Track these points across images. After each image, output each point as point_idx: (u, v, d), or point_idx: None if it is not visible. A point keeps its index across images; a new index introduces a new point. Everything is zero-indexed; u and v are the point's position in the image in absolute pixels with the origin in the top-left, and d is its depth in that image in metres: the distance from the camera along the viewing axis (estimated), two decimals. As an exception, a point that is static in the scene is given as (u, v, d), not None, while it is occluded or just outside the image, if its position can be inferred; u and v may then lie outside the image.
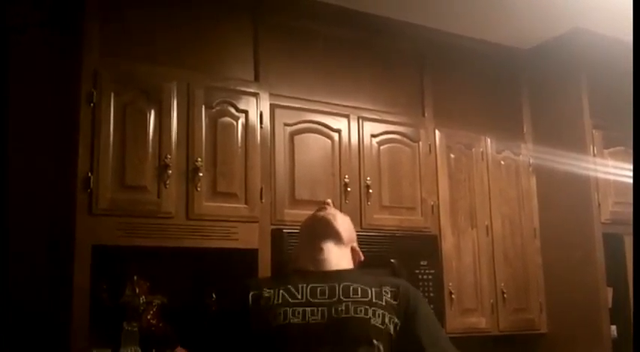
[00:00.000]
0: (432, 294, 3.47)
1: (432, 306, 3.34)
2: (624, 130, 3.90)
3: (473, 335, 3.74)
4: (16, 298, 2.80)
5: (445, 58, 3.94)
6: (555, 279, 3.97)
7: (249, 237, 3.05)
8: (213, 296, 3.11)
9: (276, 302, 1.76)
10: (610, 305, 3.78)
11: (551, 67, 4.12)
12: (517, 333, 3.91)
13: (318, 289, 1.78)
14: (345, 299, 1.76)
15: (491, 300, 3.78)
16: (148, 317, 2.93)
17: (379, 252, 3.29)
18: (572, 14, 3.69)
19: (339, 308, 1.74)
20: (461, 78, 4.01)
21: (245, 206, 3.07)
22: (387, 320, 1.75)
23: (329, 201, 2.05)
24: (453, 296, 3.62)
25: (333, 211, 2.00)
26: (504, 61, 4.19)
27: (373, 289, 1.81)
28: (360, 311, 1.74)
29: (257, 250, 3.06)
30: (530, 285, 3.97)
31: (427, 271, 3.48)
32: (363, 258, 2.03)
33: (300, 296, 1.77)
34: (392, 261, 3.35)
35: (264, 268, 3.04)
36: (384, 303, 1.78)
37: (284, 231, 3.10)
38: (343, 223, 1.99)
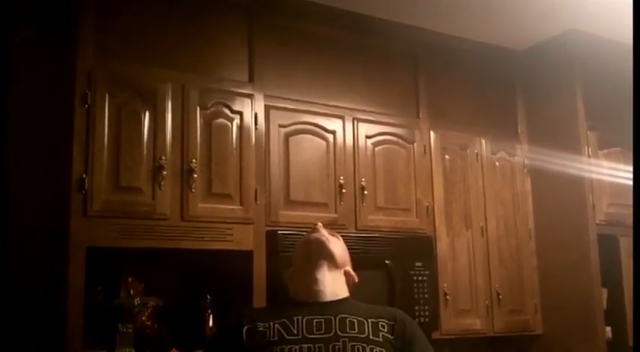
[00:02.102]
0: (426, 296, 3.47)
1: (426, 308, 3.42)
2: (619, 131, 3.92)
3: (468, 337, 3.74)
4: (11, 299, 2.79)
5: (439, 59, 3.94)
6: (550, 280, 3.97)
7: (244, 239, 3.05)
8: (208, 297, 3.11)
9: (272, 338, 1.74)
10: (605, 307, 3.79)
11: (545, 68, 4.12)
12: (512, 334, 3.91)
13: (314, 322, 1.77)
14: (342, 335, 1.75)
15: (487, 301, 3.78)
16: (143, 318, 2.92)
17: (374, 253, 3.30)
18: (566, 15, 3.69)
19: (337, 346, 1.72)
20: (455, 79, 4.01)
21: (240, 207, 3.07)
22: None
23: (320, 223, 2.04)
24: (447, 297, 3.62)
25: (325, 233, 1.99)
26: (499, 62, 4.19)
27: (370, 321, 1.80)
28: (358, 349, 1.73)
29: (252, 251, 3.05)
30: (525, 286, 3.97)
31: (422, 272, 3.48)
32: (357, 279, 2.01)
33: (296, 331, 1.75)
34: (387, 262, 3.35)
35: (259, 269, 3.04)
36: (380, 339, 1.77)
37: (279, 232, 3.10)
38: (336, 246, 1.98)
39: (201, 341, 2.95)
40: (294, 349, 1.71)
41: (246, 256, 3.04)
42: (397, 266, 3.38)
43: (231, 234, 3.02)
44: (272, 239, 3.10)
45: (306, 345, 1.72)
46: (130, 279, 2.93)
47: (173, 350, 2.90)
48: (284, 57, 3.41)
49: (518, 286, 3.94)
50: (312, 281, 1.89)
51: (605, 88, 4.02)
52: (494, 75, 4.19)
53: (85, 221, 2.73)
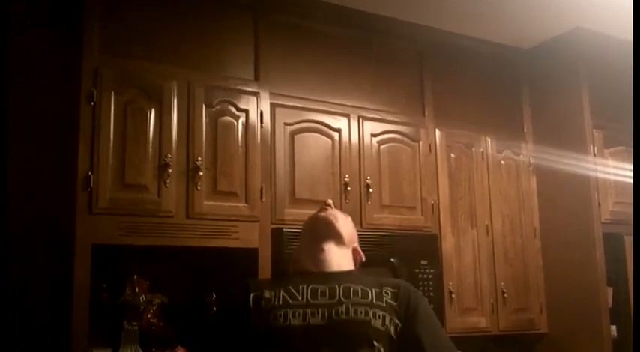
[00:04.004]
0: (432, 294, 3.46)
1: (432, 306, 3.36)
2: (625, 130, 3.90)
3: (473, 335, 3.74)
4: (16, 297, 2.80)
5: (445, 57, 3.94)
6: (555, 279, 3.97)
7: (250, 236, 3.05)
8: (214, 295, 3.11)
9: (276, 303, 1.75)
10: (610, 305, 3.78)
11: (551, 66, 4.11)
12: (517, 333, 3.91)
13: (319, 290, 1.78)
14: (345, 300, 1.76)
15: (492, 300, 3.78)
16: (149, 316, 2.93)
17: (379, 251, 3.29)
18: (572, 14, 3.69)
19: (340, 310, 1.74)
20: (461, 77, 4.01)
21: (245, 205, 3.07)
22: (387, 321, 1.74)
23: (330, 201, 2.06)
24: (453, 295, 3.62)
25: (334, 212, 2.01)
26: (504, 60, 4.19)
27: (374, 290, 1.80)
28: (361, 312, 1.74)
29: (257, 249, 3.06)
30: (530, 285, 3.97)
31: (427, 270, 3.48)
32: (364, 258, 2.03)
33: (300, 298, 1.77)
34: (392, 260, 3.35)
35: (265, 267, 3.04)
36: (384, 304, 1.77)
37: (284, 230, 3.10)
38: (345, 224, 1.99)
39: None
40: (297, 312, 1.73)
41: (252, 254, 3.04)
42: (402, 264, 3.37)
43: (237, 232, 3.02)
44: (277, 237, 3.10)
45: (309, 309, 1.74)
46: (135, 277, 2.94)
47: (178, 347, 2.91)
48: (290, 55, 3.41)
49: (523, 284, 3.94)
50: (317, 251, 1.91)
51: (611, 86, 4.02)
52: (499, 73, 4.18)
53: (91, 218, 2.73)
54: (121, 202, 2.80)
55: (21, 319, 2.85)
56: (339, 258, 1.92)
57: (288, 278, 1.88)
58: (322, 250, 1.91)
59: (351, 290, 1.79)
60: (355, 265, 1.99)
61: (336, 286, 1.79)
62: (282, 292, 1.78)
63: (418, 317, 1.80)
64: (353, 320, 1.72)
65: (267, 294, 1.78)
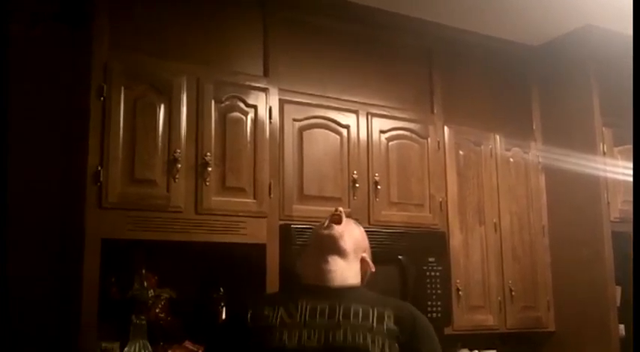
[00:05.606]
0: (439, 291, 3.46)
1: (439, 303, 3.41)
2: (634, 128, 3.89)
3: (480, 333, 3.74)
4: (25, 291, 2.81)
5: (454, 54, 3.93)
6: (563, 277, 3.96)
7: (258, 232, 3.05)
8: (221, 290, 3.12)
9: (273, 322, 1.73)
10: (618, 304, 3.77)
11: (561, 64, 4.10)
12: (524, 331, 3.91)
13: (318, 308, 1.74)
14: (344, 323, 1.71)
15: (499, 298, 3.78)
16: (157, 310, 2.94)
17: (387, 248, 3.29)
18: (582, 11, 3.67)
19: (337, 334, 1.69)
20: (470, 74, 4.00)
21: (253, 201, 3.07)
22: (387, 348, 1.69)
23: (340, 209, 1.96)
24: (460, 293, 3.62)
25: (340, 228, 1.92)
26: (514, 57, 4.17)
27: (376, 310, 1.76)
28: (359, 337, 1.68)
29: (265, 245, 3.06)
30: (538, 283, 3.96)
31: (435, 268, 3.48)
32: (373, 269, 1.96)
33: (298, 317, 1.73)
34: (400, 257, 3.35)
35: (272, 263, 3.05)
36: (384, 330, 1.72)
37: (292, 226, 3.11)
38: (350, 237, 1.92)
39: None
40: (293, 333, 1.70)
41: (260, 249, 3.05)
42: (410, 261, 3.37)
43: (245, 228, 3.03)
44: (285, 233, 3.10)
45: (306, 331, 1.70)
46: (143, 271, 2.95)
47: (186, 341, 2.92)
48: (299, 51, 3.42)
49: (531, 282, 3.93)
50: (322, 263, 1.86)
51: (621, 84, 3.98)
52: (509, 70, 4.17)
53: (100, 213, 2.74)
54: (130, 197, 2.81)
55: (30, 313, 2.86)
56: (344, 271, 1.87)
57: (290, 295, 1.85)
58: (327, 261, 1.86)
59: (352, 310, 1.74)
60: (363, 277, 1.93)
61: (337, 305, 1.75)
62: (280, 310, 1.75)
63: (417, 341, 1.75)
64: (350, 346, 1.67)
65: (266, 311, 1.76)
